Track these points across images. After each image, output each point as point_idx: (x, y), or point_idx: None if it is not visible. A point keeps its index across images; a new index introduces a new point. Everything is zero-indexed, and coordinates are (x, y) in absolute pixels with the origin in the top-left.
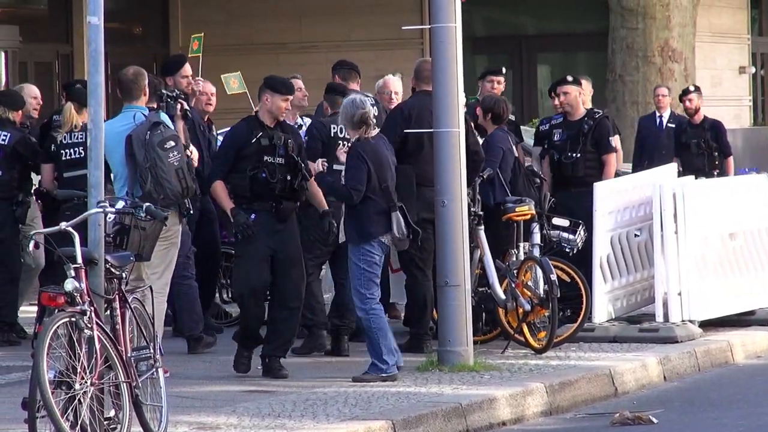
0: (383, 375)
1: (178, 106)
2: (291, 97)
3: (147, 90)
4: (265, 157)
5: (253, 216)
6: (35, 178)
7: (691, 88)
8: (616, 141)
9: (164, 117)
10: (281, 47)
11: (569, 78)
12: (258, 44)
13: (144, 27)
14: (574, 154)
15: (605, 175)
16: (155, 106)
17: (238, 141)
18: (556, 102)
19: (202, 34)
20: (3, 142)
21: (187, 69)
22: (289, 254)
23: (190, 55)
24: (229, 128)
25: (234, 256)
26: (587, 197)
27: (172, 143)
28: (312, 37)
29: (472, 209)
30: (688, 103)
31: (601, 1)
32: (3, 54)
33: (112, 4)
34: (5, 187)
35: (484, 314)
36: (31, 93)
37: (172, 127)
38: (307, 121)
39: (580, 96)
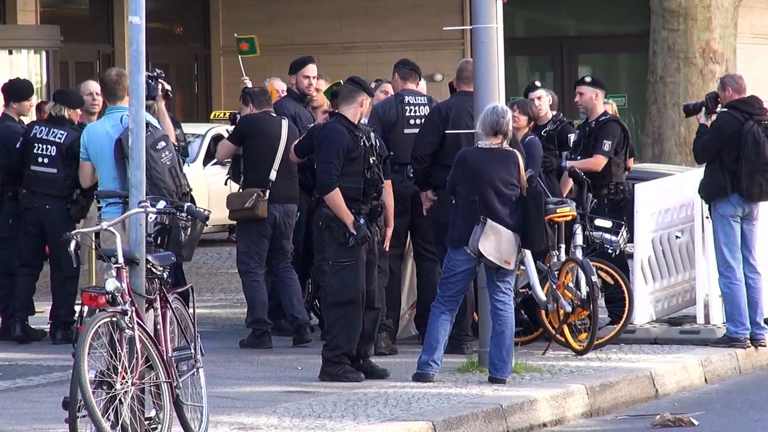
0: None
1: (159, 86)
2: None
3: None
4: (371, 158)
5: (362, 221)
6: None
7: (588, 79)
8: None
9: (149, 117)
10: (322, 48)
11: (587, 79)
12: (298, 44)
13: (185, 27)
14: (574, 156)
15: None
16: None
17: (345, 143)
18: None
19: (255, 36)
20: (59, 140)
21: (310, 69)
22: (375, 256)
23: (240, 56)
24: (319, 131)
25: (333, 264)
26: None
27: (163, 143)
28: (352, 37)
29: None
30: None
31: (642, 2)
32: (44, 54)
33: (153, 4)
34: (60, 185)
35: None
36: (88, 89)
37: (160, 127)
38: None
39: (596, 98)
